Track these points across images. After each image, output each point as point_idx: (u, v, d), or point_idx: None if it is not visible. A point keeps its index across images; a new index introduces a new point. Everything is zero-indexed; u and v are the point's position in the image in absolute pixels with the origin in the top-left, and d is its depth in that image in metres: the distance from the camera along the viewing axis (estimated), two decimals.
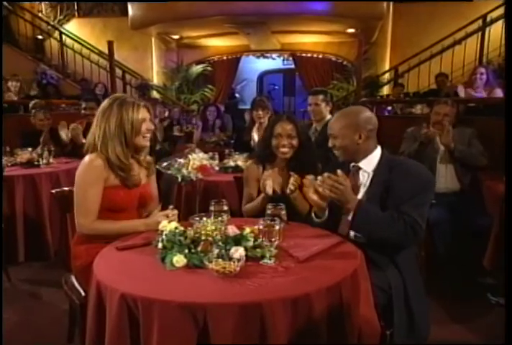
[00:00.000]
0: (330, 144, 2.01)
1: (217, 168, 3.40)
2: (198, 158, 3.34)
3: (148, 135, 1.97)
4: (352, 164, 2.01)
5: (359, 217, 1.78)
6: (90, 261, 1.62)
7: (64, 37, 9.01)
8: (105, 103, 1.97)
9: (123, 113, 1.90)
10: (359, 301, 1.47)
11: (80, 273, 1.98)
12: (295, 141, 2.34)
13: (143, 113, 1.94)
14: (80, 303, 1.88)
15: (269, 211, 1.75)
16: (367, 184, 1.94)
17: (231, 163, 3.50)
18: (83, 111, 4.31)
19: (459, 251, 2.95)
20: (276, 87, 12.50)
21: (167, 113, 7.17)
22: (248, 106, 6.14)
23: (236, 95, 11.90)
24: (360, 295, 1.48)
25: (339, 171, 1.81)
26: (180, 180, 3.19)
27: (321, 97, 3.56)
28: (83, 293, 1.93)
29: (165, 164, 3.35)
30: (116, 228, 1.90)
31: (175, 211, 1.91)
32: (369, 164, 1.96)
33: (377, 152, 1.98)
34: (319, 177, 1.82)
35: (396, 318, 1.75)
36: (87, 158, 1.93)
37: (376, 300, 1.61)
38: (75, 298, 1.95)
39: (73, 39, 8.94)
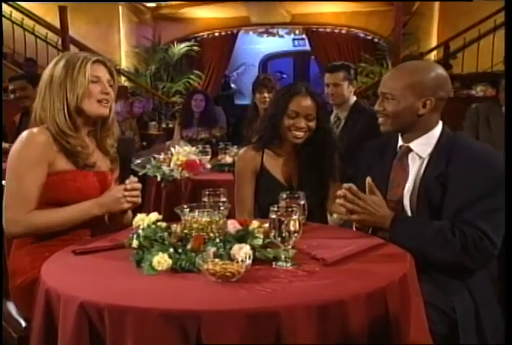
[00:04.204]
0: (377, 107, 1.94)
1: (209, 166, 3.40)
2: (183, 152, 3.34)
3: (105, 99, 1.98)
4: (400, 143, 1.96)
5: (397, 233, 1.78)
6: (36, 277, 1.59)
7: None
8: (49, 64, 2.01)
9: (67, 71, 1.94)
10: (410, 318, 1.45)
11: (21, 295, 1.94)
12: (313, 124, 2.31)
13: (95, 70, 1.97)
14: (19, 336, 1.84)
15: (282, 202, 1.75)
16: (420, 175, 1.89)
17: (228, 159, 3.50)
18: (11, 96, 4.27)
19: None
20: (284, 75, 12.66)
21: (140, 107, 7.24)
22: (248, 102, 6.10)
23: (232, 85, 12.05)
24: (411, 312, 1.46)
25: (368, 179, 1.81)
26: (159, 179, 3.18)
27: (341, 74, 3.57)
28: (23, 323, 1.90)
29: (138, 161, 3.36)
30: (60, 218, 1.89)
31: (136, 183, 1.92)
32: (424, 145, 1.90)
33: (438, 129, 1.92)
34: (340, 191, 1.82)
35: None
36: (25, 133, 1.92)
37: (432, 326, 1.57)
38: (12, 331, 1.91)
39: (12, 7, 8.92)
